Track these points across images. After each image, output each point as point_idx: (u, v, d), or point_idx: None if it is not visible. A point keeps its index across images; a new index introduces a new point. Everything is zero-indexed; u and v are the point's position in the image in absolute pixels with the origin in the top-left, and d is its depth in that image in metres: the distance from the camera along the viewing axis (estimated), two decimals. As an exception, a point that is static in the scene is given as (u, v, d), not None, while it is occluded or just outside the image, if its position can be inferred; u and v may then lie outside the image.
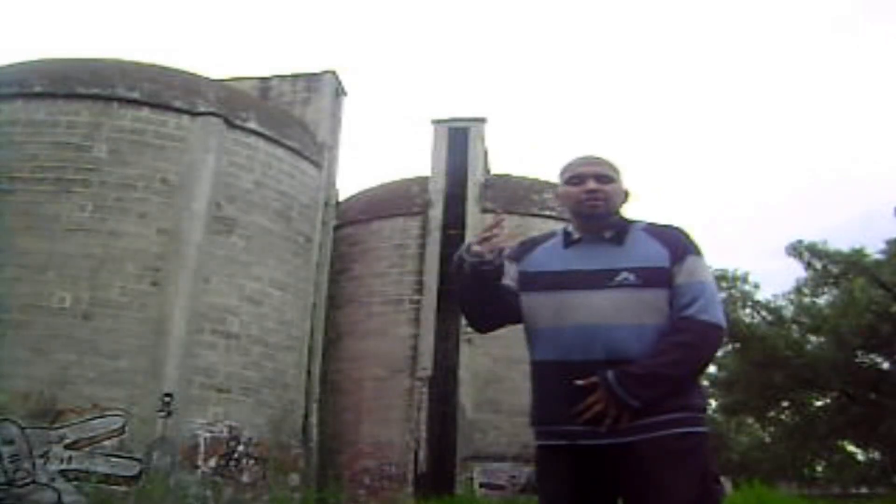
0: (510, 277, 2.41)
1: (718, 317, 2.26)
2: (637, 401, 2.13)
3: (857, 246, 23.40)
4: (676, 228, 2.42)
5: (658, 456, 2.13)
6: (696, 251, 2.33)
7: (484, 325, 2.53)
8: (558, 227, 2.57)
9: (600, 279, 2.27)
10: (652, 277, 2.26)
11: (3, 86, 13.55)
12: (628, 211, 2.49)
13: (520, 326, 2.45)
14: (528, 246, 2.50)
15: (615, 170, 2.43)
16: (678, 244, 2.33)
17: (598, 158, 2.45)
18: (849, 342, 21.73)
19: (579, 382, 2.16)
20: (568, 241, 2.43)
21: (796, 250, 24.35)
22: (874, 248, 23.26)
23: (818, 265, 24.25)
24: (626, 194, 2.45)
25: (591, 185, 2.36)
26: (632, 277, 2.25)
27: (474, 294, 2.41)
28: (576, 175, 2.41)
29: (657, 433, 2.15)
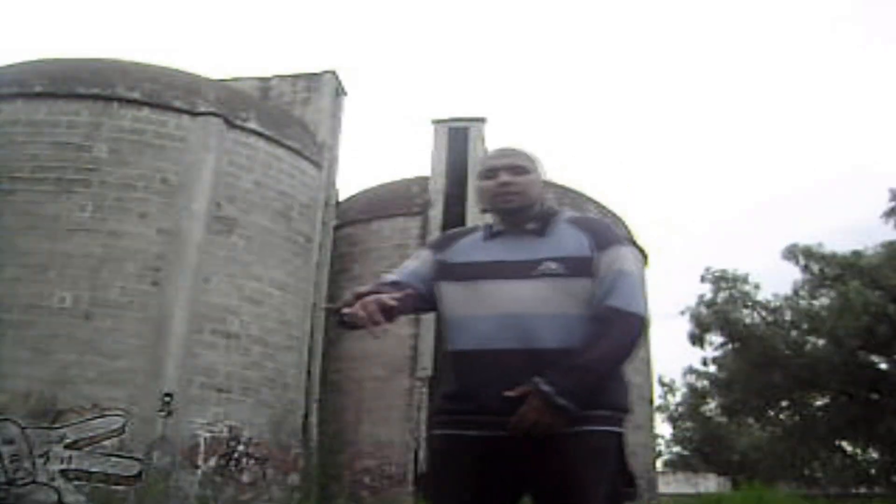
0: (423, 264, 2.39)
1: (637, 306, 2.21)
2: (576, 404, 2.06)
3: (857, 247, 23.42)
4: (601, 219, 2.42)
5: (579, 453, 2.09)
6: (618, 241, 2.30)
7: None
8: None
9: (523, 269, 2.24)
10: (575, 267, 2.22)
11: (3, 86, 13.55)
12: (550, 201, 2.49)
13: None
14: (452, 237, 2.49)
15: (531, 160, 2.39)
16: (601, 234, 2.31)
17: (512, 150, 2.41)
18: (847, 343, 21.74)
19: (509, 394, 2.07)
20: (489, 233, 2.41)
21: (792, 253, 24.34)
22: (871, 250, 23.27)
23: (815, 268, 24.25)
24: (544, 184, 2.41)
25: (504, 177, 2.33)
26: (555, 266, 2.22)
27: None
28: (489, 169, 2.38)
29: (581, 428, 2.09)
